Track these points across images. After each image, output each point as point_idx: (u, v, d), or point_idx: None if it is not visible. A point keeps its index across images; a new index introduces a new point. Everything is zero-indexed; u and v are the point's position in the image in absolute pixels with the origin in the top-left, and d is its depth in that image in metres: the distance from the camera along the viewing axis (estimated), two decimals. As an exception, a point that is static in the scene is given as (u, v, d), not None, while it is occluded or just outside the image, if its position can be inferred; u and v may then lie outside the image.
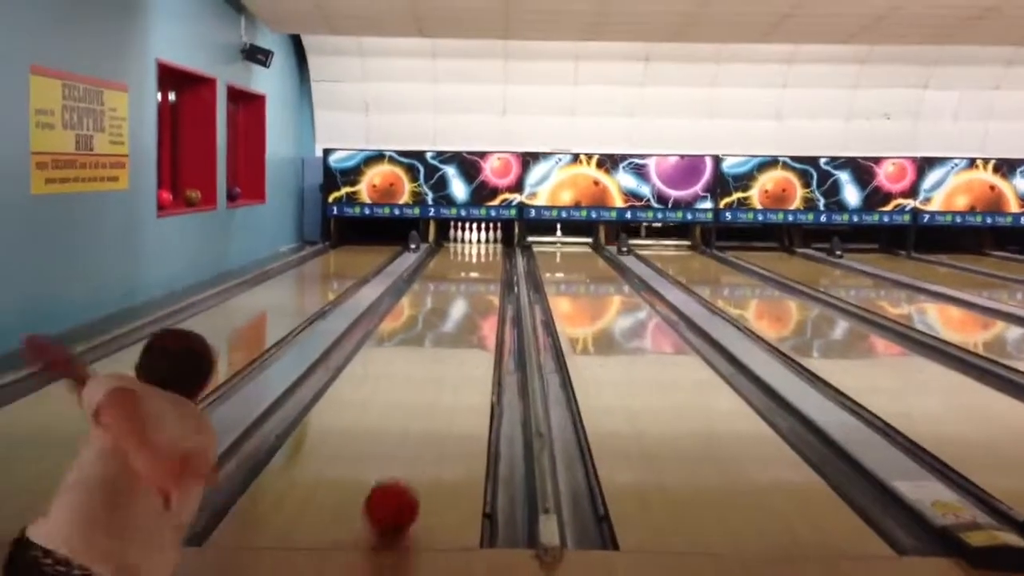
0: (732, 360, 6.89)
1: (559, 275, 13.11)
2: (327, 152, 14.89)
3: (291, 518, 3.85)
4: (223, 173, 11.20)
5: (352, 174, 14.87)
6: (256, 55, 11.91)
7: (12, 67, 6.58)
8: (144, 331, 7.39)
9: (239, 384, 5.87)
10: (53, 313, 7.09)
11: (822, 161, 15.13)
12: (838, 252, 14.25)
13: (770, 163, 15.14)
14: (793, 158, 15.12)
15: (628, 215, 15.16)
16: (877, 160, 15.17)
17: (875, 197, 15.17)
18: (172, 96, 10.49)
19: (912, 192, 15.17)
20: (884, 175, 15.16)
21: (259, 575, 3.25)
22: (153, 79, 9.14)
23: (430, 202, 14.96)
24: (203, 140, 10.82)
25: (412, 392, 6.22)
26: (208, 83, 10.73)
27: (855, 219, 15.23)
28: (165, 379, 2.58)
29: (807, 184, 15.14)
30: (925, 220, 15.19)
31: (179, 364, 2.63)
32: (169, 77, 9.86)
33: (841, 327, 9.11)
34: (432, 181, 14.94)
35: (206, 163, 10.83)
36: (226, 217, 11.35)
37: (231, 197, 11.58)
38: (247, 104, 12.58)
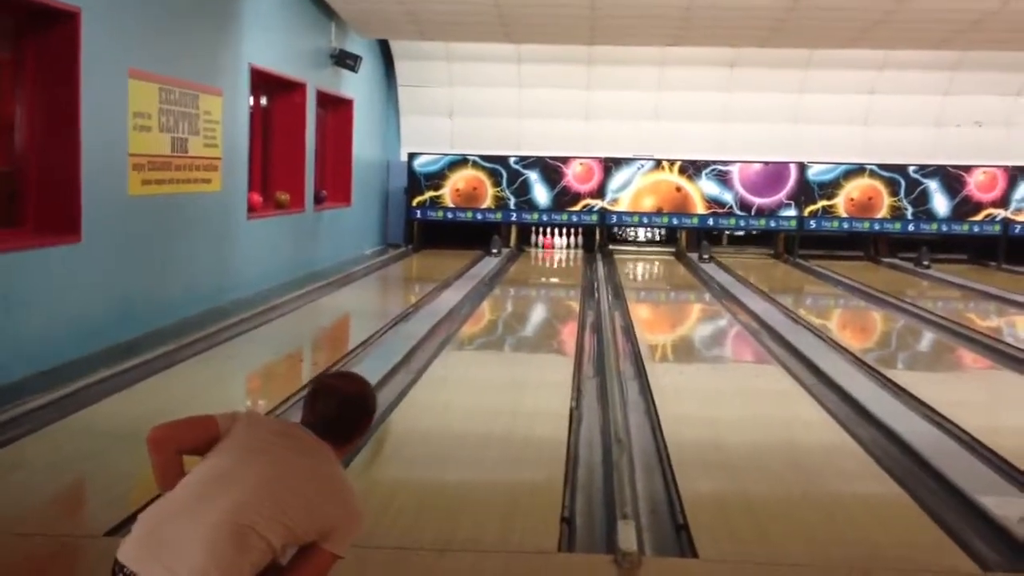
0: (815, 370, 6.81)
1: (639, 281, 13.07)
2: (412, 156, 15.09)
3: (372, 518, 3.92)
4: (311, 176, 11.44)
5: (436, 178, 15.04)
6: (345, 60, 12.14)
7: (112, 71, 6.82)
8: (234, 329, 7.62)
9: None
10: (148, 311, 7.34)
11: (911, 169, 14.81)
12: (926, 262, 13.93)
13: (857, 171, 14.87)
14: (881, 166, 14.83)
15: (710, 222, 15.04)
16: (967, 169, 14.78)
17: (965, 206, 14.79)
18: (264, 100, 10.76)
19: (1003, 202, 14.75)
20: (974, 184, 14.77)
21: (339, 574, 3.32)
22: (246, 84, 9.38)
23: (512, 207, 15.05)
24: (292, 144, 11.06)
25: (492, 396, 6.28)
26: (298, 88, 10.97)
27: (944, 229, 14.86)
28: (329, 424, 2.51)
29: (895, 192, 14.83)
30: (1016, 231, 14.75)
31: (348, 409, 2.55)
32: (261, 82, 10.11)
33: (928, 339, 8.91)
34: (515, 186, 15.03)
35: (295, 166, 11.07)
36: (313, 219, 11.58)
37: (318, 200, 11.82)
38: (335, 108, 12.82)
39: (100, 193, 6.67)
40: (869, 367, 6.91)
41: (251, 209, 9.71)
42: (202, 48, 8.40)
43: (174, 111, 7.76)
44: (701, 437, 5.22)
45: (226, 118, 8.78)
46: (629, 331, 8.26)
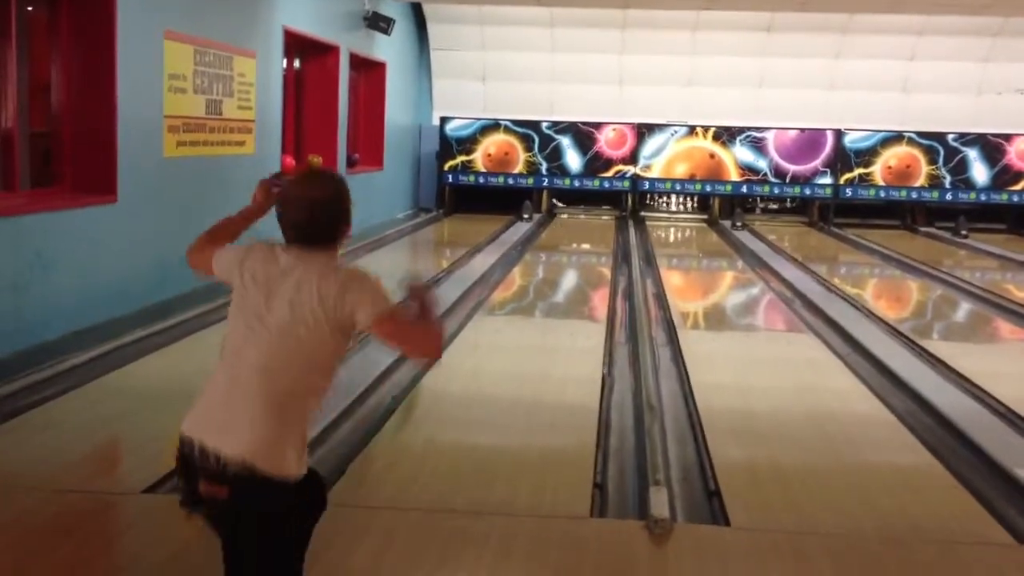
0: (849, 339, 6.75)
1: (672, 248, 12.99)
2: (444, 120, 15.04)
3: (404, 480, 3.96)
4: (344, 139, 11.42)
5: (468, 143, 14.99)
6: (378, 23, 12.07)
7: (148, 33, 6.82)
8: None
9: (354, 348, 6.01)
10: (182, 272, 7.36)
11: (950, 137, 14.56)
12: (964, 232, 13.72)
13: (895, 138, 14.64)
14: (919, 133, 14.60)
15: (744, 189, 14.89)
16: (1008, 137, 14.52)
17: (1005, 175, 14.54)
18: (297, 63, 10.73)
19: (1045, 171, 14.50)
20: (1015, 153, 14.51)
21: (373, 533, 3.35)
22: (280, 46, 9.36)
23: (544, 172, 14.98)
24: (325, 107, 11.05)
25: (523, 361, 6.28)
26: (331, 50, 10.93)
27: (983, 198, 14.63)
28: (307, 233, 2.35)
29: (933, 161, 14.60)
30: (1058, 200, 14.51)
31: (321, 213, 2.37)
32: (295, 44, 10.09)
33: (964, 309, 8.80)
34: (547, 151, 14.95)
35: (328, 129, 11.06)
36: (347, 182, 11.55)
37: (351, 163, 11.82)
38: (368, 71, 12.78)
39: (136, 154, 6.70)
40: (904, 337, 6.83)
41: (284, 172, 9.71)
42: (236, 10, 8.38)
43: (208, 73, 7.76)
44: (733, 405, 5.19)
45: (260, 80, 8.77)
46: (661, 298, 8.22)
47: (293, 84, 10.60)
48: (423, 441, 4.55)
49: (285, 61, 9.78)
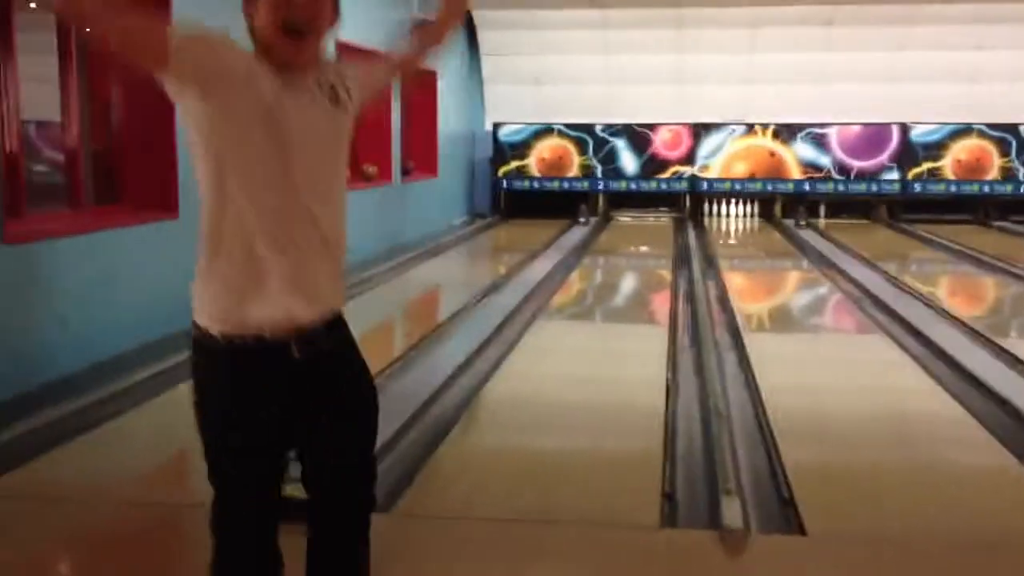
0: (922, 339, 6.53)
1: (733, 249, 12.80)
2: (497, 126, 15.01)
3: (472, 488, 3.91)
4: (398, 148, 11.44)
5: (522, 147, 14.93)
6: (429, 31, 12.05)
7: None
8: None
9: (417, 356, 6.00)
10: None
11: (1023, 128, 14.14)
12: (1038, 225, 13.31)
13: (964, 131, 14.26)
14: (990, 125, 14.19)
15: (806, 187, 14.62)
16: (1085, 125, 14.05)
17: (1081, 166, 14.09)
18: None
19: (1123, 161, 14.01)
20: (1091, 141, 14.05)
21: (443, 544, 3.30)
22: (333, 58, 9.37)
23: (599, 175, 14.87)
24: (378, 116, 11.06)
25: (586, 366, 6.19)
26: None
27: (1058, 190, 14.18)
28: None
29: (1005, 153, 14.18)
30: None
31: None
32: (346, 54, 10.10)
33: (1042, 306, 8.51)
34: (601, 154, 14.83)
35: (381, 138, 11.08)
36: (400, 191, 11.60)
37: (405, 171, 11.84)
38: (419, 79, 12.78)
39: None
40: (980, 335, 6.61)
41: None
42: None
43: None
44: (804, 408, 5.05)
45: (315, 91, 8.80)
46: (724, 300, 8.07)
47: (348, 94, 10.62)
48: (488, 448, 4.50)
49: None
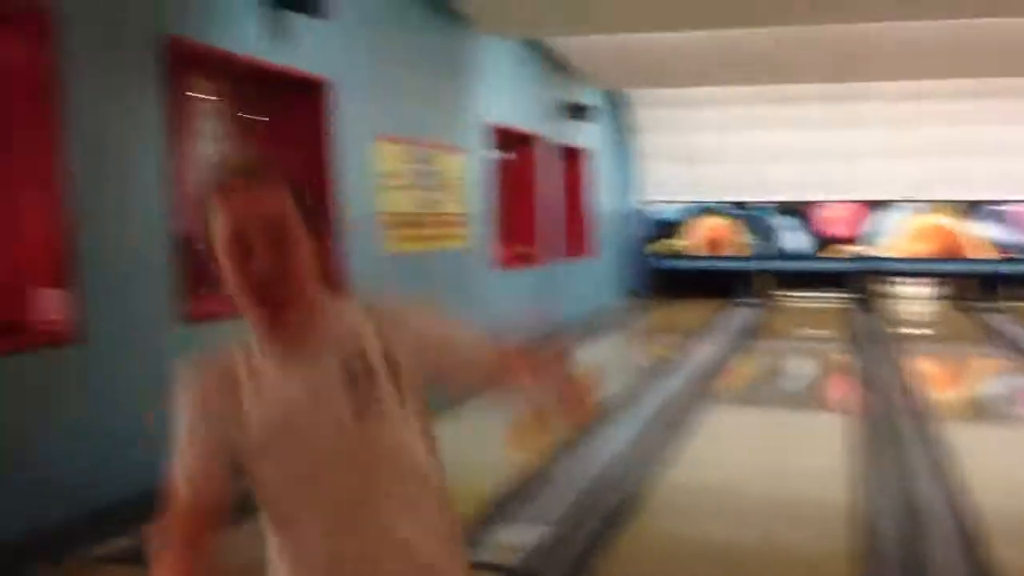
0: None
1: (913, 332, 11.98)
2: (651, 204, 14.77)
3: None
4: (552, 228, 11.35)
5: (678, 226, 14.63)
6: (580, 111, 12.07)
7: (362, 136, 7.00)
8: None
9: (583, 440, 5.76)
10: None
11: None
12: None
13: None
14: None
15: (993, 268, 13.58)
16: None
17: None
18: (502, 155, 10.79)
19: None
20: None
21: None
22: (486, 141, 9.45)
23: (759, 254, 14.36)
24: (530, 196, 11.04)
25: (759, 453, 5.79)
26: (534, 141, 10.96)
27: None
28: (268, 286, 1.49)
29: None
30: None
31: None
32: (499, 137, 10.15)
33: None
34: (761, 232, 14.35)
35: (534, 219, 11.03)
36: (554, 271, 11.47)
37: (558, 252, 11.70)
38: (572, 159, 12.73)
39: (359, 251, 6.80)
40: None
41: (495, 262, 9.70)
42: (443, 109, 8.55)
43: (420, 171, 7.87)
44: (1007, 505, 4.50)
45: (467, 175, 8.86)
46: (909, 387, 7.47)
47: (500, 176, 10.64)
48: (663, 536, 4.26)
49: (491, 154, 9.84)
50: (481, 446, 6.05)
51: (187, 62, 5.49)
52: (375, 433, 1.52)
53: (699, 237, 14.56)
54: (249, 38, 5.76)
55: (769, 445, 6.03)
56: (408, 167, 7.70)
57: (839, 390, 7.90)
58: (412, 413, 1.56)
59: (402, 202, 7.61)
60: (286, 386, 1.52)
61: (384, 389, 1.52)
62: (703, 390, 7.50)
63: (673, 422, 6.27)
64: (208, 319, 5.27)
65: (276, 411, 1.51)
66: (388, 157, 7.38)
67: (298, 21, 6.02)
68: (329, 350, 1.53)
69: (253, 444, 1.51)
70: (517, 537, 4.02)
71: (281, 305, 1.49)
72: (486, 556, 3.83)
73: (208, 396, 1.53)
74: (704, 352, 9.32)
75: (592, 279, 13.10)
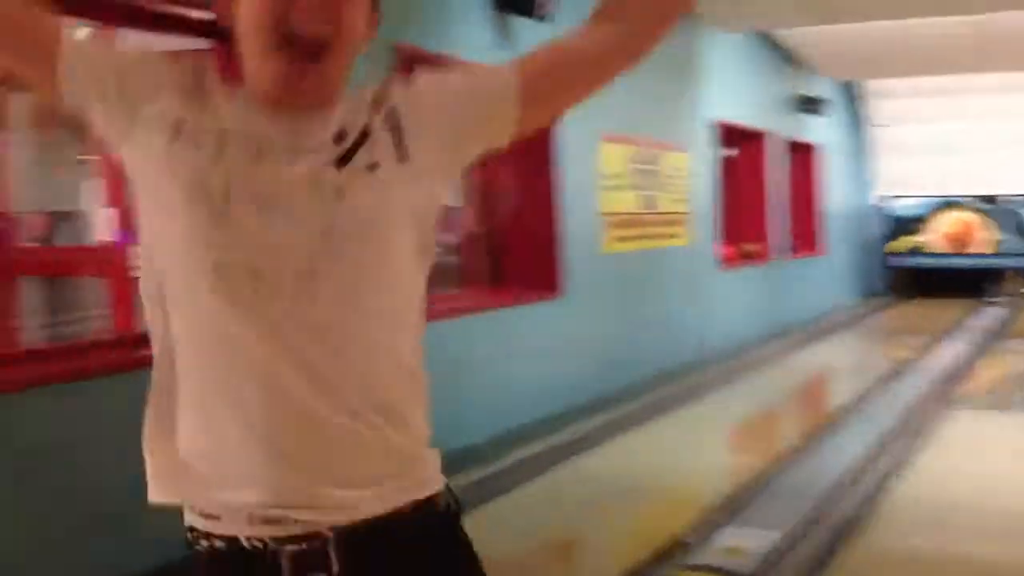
0: None
1: None
2: (890, 200, 14.00)
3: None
4: (778, 226, 10.99)
5: (918, 222, 13.80)
6: (810, 105, 11.61)
7: (586, 137, 7.02)
8: (714, 382, 7.43)
9: (812, 447, 5.55)
10: (630, 361, 7.36)
11: None
12: None
13: None
14: None
15: None
16: None
17: None
18: (727, 151, 10.54)
19: None
20: None
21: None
22: (710, 139, 9.25)
23: (1011, 250, 13.31)
24: (758, 193, 10.72)
25: (1008, 464, 5.35)
26: (761, 137, 10.63)
27: None
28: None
29: None
30: None
31: None
32: (724, 134, 9.92)
33: None
34: (1013, 227, 13.29)
35: (761, 216, 10.71)
36: (783, 270, 11.09)
37: (785, 249, 11.31)
38: (801, 155, 12.27)
39: (575, 251, 6.84)
40: None
41: (720, 261, 9.49)
42: (667, 107, 8.43)
43: (642, 170, 7.81)
44: None
45: (691, 172, 8.70)
46: None
47: (724, 173, 10.39)
48: (899, 553, 3.97)
49: (715, 151, 9.62)
50: (705, 449, 5.93)
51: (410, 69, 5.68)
52: (385, 214, 1.23)
53: (942, 233, 13.67)
54: (476, 43, 5.89)
55: (1018, 456, 5.58)
56: (631, 167, 7.65)
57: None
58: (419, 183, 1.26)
59: (623, 202, 7.57)
60: (257, 138, 1.21)
61: (408, 166, 1.25)
62: (946, 395, 7.03)
63: (909, 430, 5.88)
64: (442, 317, 5.46)
65: (239, 157, 1.20)
66: (611, 157, 7.37)
67: (522, 24, 6.11)
68: (325, 127, 1.23)
69: (179, 181, 1.19)
70: (745, 542, 3.88)
71: (313, 56, 1.20)
72: (711, 559, 3.74)
73: (163, 74, 1.24)
74: (947, 354, 8.74)
75: (825, 278, 12.59)
